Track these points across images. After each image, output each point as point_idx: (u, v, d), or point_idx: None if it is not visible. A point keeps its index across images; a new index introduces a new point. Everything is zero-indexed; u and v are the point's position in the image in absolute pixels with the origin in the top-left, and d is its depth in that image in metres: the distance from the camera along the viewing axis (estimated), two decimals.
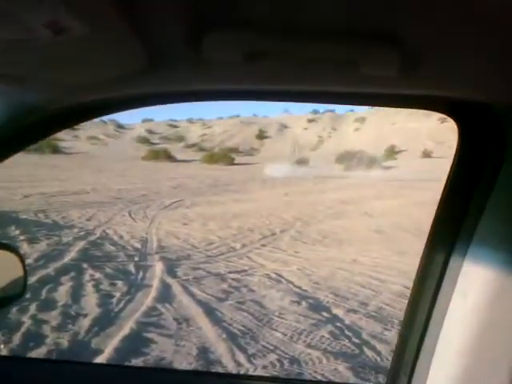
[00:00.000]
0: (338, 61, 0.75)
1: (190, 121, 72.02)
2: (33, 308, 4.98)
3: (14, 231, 8.72)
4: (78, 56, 0.75)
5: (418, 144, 48.69)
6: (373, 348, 4.60)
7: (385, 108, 60.20)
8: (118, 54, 0.76)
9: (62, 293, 5.62)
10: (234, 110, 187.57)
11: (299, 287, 6.64)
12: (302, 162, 38.91)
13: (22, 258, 1.25)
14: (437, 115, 54.37)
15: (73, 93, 0.93)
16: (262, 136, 61.75)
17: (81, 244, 8.43)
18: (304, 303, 5.90)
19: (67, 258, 7.26)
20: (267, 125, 65.04)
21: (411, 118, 54.49)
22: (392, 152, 46.86)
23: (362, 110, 64.11)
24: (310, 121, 64.49)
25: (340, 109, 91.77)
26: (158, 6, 0.65)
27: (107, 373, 1.25)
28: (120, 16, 0.65)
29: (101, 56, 0.76)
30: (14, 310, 4.77)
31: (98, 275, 6.52)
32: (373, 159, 39.09)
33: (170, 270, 7.18)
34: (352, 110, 66.89)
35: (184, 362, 4.15)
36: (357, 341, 4.77)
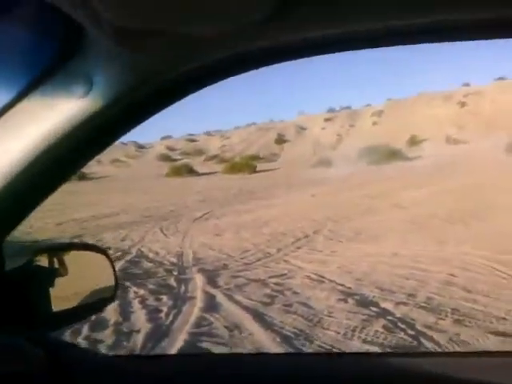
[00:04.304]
0: None
1: (208, 133, 72.58)
2: (85, 329, 5.05)
3: None
4: (204, 4, 0.65)
5: (440, 131, 47.97)
6: (430, 338, 4.53)
7: (401, 98, 59.23)
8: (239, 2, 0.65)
9: (111, 311, 5.68)
10: (250, 117, 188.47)
11: (342, 285, 6.58)
12: (323, 162, 38.69)
13: (111, 260, 1.19)
14: (456, 99, 53.67)
15: (194, 53, 0.80)
16: (280, 140, 61.75)
17: (119, 264, 8.53)
18: (350, 300, 5.84)
19: None
20: (284, 128, 65.05)
21: (430, 105, 53.83)
22: (414, 142, 46.33)
23: (378, 103, 63.57)
24: (327, 120, 64.18)
25: (355, 104, 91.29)
26: None
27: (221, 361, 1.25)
28: None
29: (224, 4, 0.65)
30: (68, 331, 4.84)
31: (141, 292, 6.59)
32: (395, 151, 38.67)
33: (211, 280, 7.20)
34: (369, 105, 66.38)
35: None
36: (412, 332, 4.70)
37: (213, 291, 6.56)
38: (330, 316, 5.35)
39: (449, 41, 0.79)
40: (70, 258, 1.16)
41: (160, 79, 0.83)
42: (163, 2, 0.62)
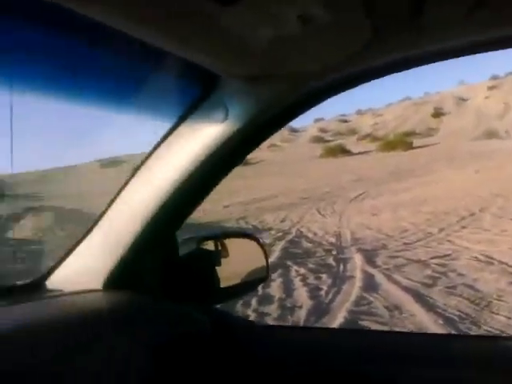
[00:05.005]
0: None
1: (359, 112, 71.19)
2: (254, 303, 5.52)
3: None
4: (313, 42, 0.79)
5: None
6: None
7: None
8: (346, 31, 0.77)
9: (275, 288, 6.10)
10: (403, 92, 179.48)
11: None
12: (488, 134, 35.32)
13: (262, 245, 1.40)
14: None
15: (304, 81, 0.96)
16: (438, 114, 57.85)
17: (281, 244, 9.01)
18: None
19: (272, 257, 7.84)
20: (441, 101, 60.76)
21: None
22: None
23: None
24: (491, 88, 58.14)
25: None
26: None
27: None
28: None
29: (332, 38, 0.79)
30: (239, 304, 5.34)
31: (302, 271, 6.91)
32: None
33: (369, 260, 7.24)
34: None
35: None
36: None
37: (372, 271, 6.60)
38: (500, 300, 5.03)
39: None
40: (229, 243, 1.39)
41: (280, 105, 1.02)
42: (277, 52, 0.82)
